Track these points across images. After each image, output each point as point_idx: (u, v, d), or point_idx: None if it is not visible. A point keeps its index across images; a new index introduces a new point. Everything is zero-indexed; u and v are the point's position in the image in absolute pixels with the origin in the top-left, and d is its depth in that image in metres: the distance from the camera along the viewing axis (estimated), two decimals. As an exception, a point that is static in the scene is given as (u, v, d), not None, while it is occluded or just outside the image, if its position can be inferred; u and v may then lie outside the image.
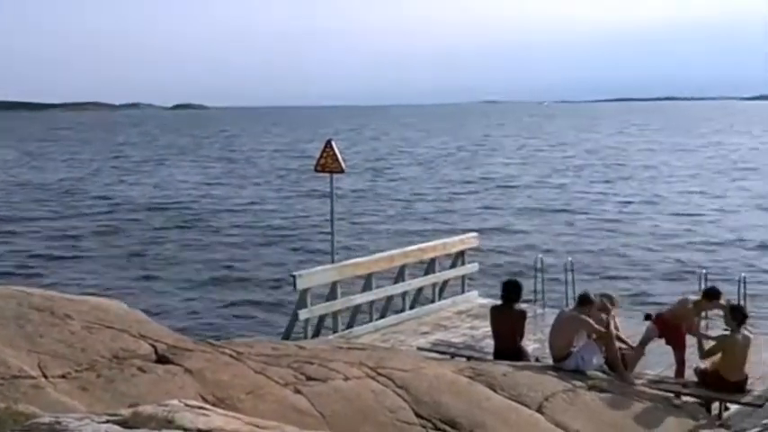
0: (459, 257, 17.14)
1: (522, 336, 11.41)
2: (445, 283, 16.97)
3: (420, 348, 12.86)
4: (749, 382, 11.11)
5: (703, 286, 15.09)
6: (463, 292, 17.14)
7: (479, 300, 16.88)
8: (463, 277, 17.23)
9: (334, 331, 14.39)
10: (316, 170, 16.63)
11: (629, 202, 41.99)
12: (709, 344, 11.17)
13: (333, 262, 15.53)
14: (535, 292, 16.22)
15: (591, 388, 10.01)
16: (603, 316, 11.61)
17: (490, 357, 11.39)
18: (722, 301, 11.64)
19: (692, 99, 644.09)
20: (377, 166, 67.36)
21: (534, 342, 12.94)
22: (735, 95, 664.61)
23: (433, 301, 16.50)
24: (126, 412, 4.48)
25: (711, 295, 11.65)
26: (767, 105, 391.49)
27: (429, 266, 16.55)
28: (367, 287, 15.14)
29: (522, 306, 11.90)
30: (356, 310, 15.24)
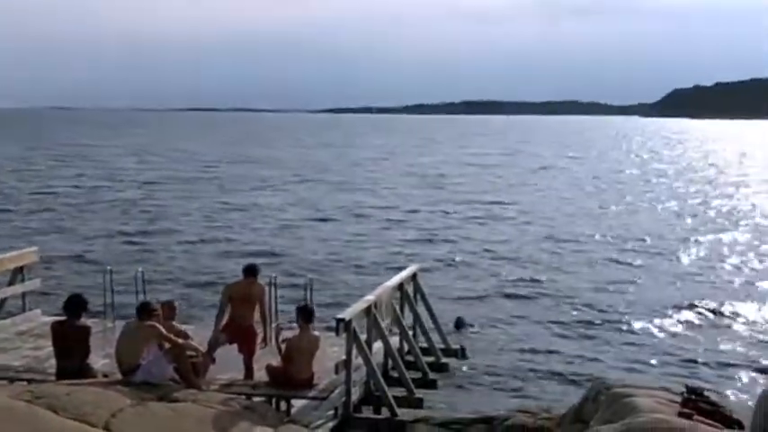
0: (17, 274, 15.98)
1: (87, 352, 10.96)
2: (2, 301, 15.76)
3: (-28, 376, 11.78)
4: (316, 376, 11.76)
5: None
6: (24, 310, 16.00)
7: (43, 318, 15.83)
8: (23, 295, 16.09)
9: None
10: None
11: (210, 216, 42.44)
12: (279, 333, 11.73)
13: None
14: (105, 305, 15.72)
15: (161, 398, 9.91)
16: (175, 324, 11.61)
17: (54, 378, 10.79)
18: (260, 283, 12.26)
19: (267, 111, 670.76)
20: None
21: (104, 357, 12.50)
22: (306, 108, 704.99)
23: (-12, 323, 15.21)
24: None
25: (248, 271, 12.15)
26: (331, 117, 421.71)
27: (-17, 285, 15.24)
28: None
29: (89, 321, 11.47)
30: None
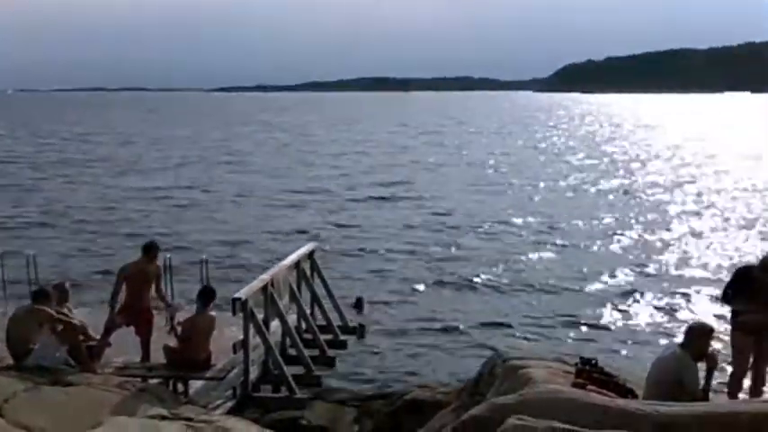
0: None
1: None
2: None
3: None
4: (213, 357, 11.67)
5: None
6: None
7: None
8: None
9: None
10: None
11: (103, 198, 41.35)
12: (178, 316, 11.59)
13: None
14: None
15: (55, 383, 9.74)
16: (68, 306, 11.35)
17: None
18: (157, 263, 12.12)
19: (158, 90, 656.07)
20: None
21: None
22: (198, 87, 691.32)
23: None
24: None
25: (148, 249, 11.98)
26: (228, 96, 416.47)
27: None
28: None
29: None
30: None
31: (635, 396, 8.39)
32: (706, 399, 8.03)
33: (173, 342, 11.55)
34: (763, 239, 29.26)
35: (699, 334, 8.37)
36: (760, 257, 9.94)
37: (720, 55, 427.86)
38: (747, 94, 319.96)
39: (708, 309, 19.55)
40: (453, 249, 28.36)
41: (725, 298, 9.88)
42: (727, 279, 10.33)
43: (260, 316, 12.23)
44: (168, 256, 15.68)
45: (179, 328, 11.48)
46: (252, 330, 11.81)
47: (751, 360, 9.61)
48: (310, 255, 15.17)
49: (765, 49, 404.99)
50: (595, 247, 28.80)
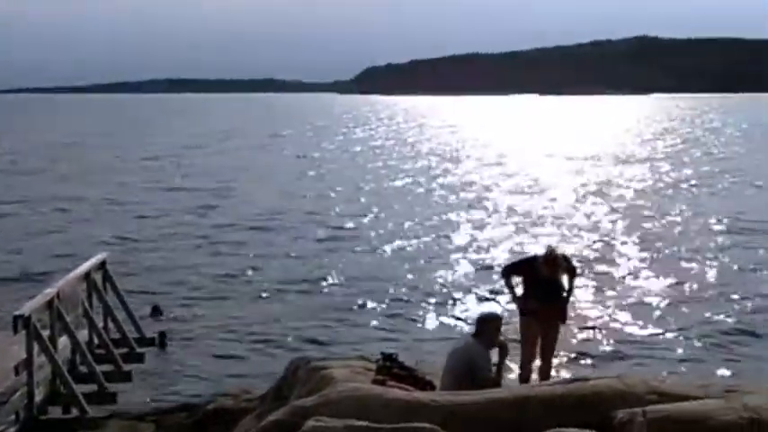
0: None
1: None
2: None
3: None
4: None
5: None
6: None
7: None
8: None
9: None
10: None
11: None
12: None
13: None
14: None
15: None
16: None
17: None
18: None
19: None
20: None
21: None
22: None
23: None
24: None
25: None
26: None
27: None
28: None
29: None
30: None
31: (433, 387, 8.52)
32: (498, 385, 8.24)
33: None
34: (547, 234, 30.65)
35: (488, 323, 8.63)
36: (543, 250, 10.34)
37: (511, 59, 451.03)
38: (536, 96, 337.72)
39: (501, 300, 20.13)
40: (256, 253, 27.95)
41: (504, 278, 10.20)
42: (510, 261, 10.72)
43: (45, 332, 11.47)
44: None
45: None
46: (37, 349, 11.05)
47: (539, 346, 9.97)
48: (102, 265, 14.43)
49: (554, 53, 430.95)
50: (401, 245, 29.21)
